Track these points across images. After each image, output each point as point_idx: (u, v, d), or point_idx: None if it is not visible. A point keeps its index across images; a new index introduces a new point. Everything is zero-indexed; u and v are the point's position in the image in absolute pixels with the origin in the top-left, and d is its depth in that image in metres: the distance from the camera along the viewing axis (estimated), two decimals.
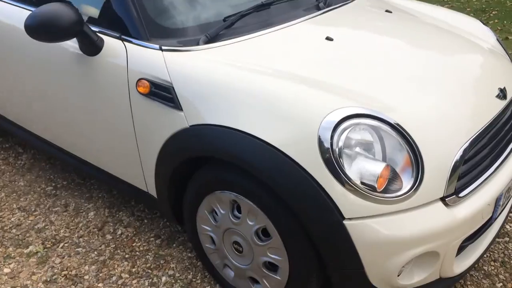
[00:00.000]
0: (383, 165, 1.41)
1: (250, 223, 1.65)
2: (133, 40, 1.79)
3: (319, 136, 1.42)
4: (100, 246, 2.23)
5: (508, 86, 1.85)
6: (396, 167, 1.45)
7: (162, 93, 1.69)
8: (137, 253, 2.18)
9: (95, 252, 2.19)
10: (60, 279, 2.04)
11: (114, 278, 2.04)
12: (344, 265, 1.50)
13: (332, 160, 1.40)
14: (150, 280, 2.02)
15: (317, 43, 1.85)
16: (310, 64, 1.70)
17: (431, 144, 1.49)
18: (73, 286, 2.00)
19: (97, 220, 2.39)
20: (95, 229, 2.33)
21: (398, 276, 1.51)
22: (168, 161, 1.77)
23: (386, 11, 2.27)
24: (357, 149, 1.44)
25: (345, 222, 1.42)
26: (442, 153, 1.50)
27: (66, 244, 2.23)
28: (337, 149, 1.41)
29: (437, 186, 1.48)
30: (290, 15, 2.00)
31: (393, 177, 1.44)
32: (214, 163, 1.69)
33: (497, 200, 1.66)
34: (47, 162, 2.87)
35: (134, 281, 2.02)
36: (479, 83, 1.84)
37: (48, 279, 2.04)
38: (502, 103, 1.77)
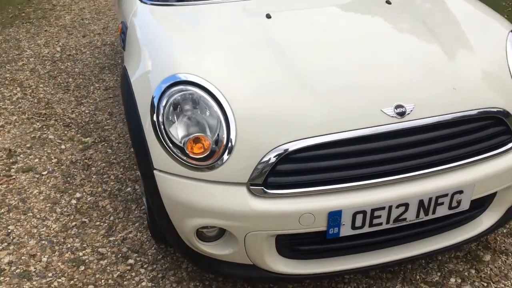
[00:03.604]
0: (193, 132, 1.53)
1: None
2: None
3: (153, 95, 1.62)
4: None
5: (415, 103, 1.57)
6: (209, 138, 1.53)
7: None
8: None
9: None
10: None
11: None
12: (156, 210, 1.69)
13: (154, 116, 1.59)
14: None
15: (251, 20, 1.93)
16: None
17: (255, 128, 1.52)
18: None
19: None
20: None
21: (198, 238, 1.62)
22: None
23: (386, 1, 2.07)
24: (179, 113, 1.58)
25: (154, 171, 1.61)
26: (263, 139, 1.50)
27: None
28: (162, 109, 1.58)
29: (243, 170, 1.51)
30: None
31: (204, 146, 1.53)
32: None
33: (333, 216, 1.52)
34: None
35: None
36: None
37: None
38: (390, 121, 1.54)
